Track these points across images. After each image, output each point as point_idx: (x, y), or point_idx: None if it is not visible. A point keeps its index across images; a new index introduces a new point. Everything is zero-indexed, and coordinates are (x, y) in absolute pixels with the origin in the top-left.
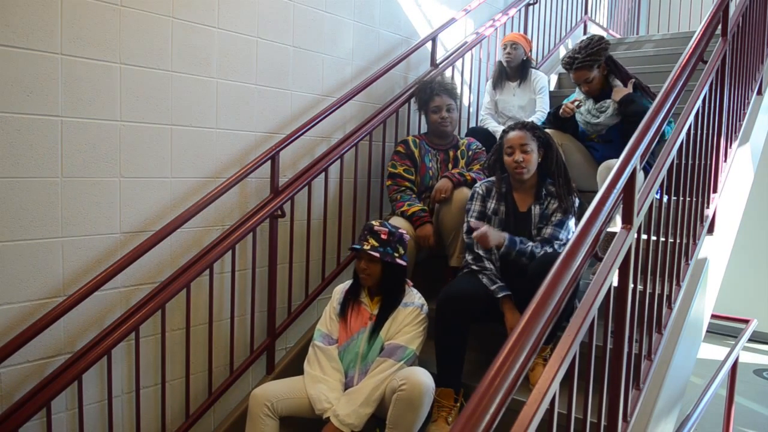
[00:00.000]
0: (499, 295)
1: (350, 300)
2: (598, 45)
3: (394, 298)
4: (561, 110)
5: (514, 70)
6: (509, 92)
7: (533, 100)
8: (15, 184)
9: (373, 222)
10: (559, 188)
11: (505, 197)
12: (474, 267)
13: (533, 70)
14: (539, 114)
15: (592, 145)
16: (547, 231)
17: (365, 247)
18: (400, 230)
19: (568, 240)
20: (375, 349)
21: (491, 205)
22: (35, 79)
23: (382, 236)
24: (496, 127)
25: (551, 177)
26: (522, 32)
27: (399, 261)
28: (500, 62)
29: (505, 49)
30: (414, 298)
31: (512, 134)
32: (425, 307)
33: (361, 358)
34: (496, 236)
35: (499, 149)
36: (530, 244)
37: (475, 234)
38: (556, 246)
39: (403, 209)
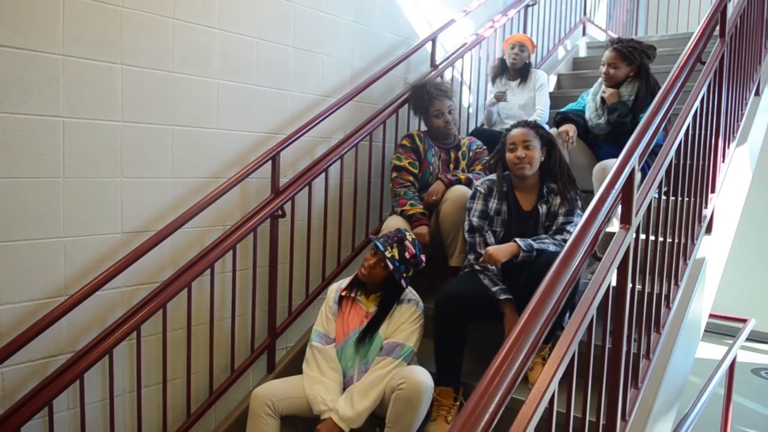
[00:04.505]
0: (501, 297)
1: (347, 297)
2: (644, 50)
3: (392, 298)
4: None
5: (516, 71)
6: (509, 92)
7: (533, 98)
8: (17, 184)
9: (407, 233)
10: (561, 186)
11: (507, 196)
12: (476, 267)
13: (533, 69)
14: (539, 111)
15: (596, 143)
16: (559, 220)
17: (387, 253)
18: (421, 257)
19: None
20: (375, 348)
21: (493, 204)
22: (37, 80)
23: (407, 255)
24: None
25: (553, 175)
26: (521, 33)
27: (402, 282)
28: (503, 60)
29: (512, 49)
30: (409, 294)
31: (515, 131)
32: (421, 304)
33: (361, 357)
34: (504, 250)
35: (502, 148)
36: (544, 239)
37: (482, 260)
38: (567, 234)
39: (404, 208)
